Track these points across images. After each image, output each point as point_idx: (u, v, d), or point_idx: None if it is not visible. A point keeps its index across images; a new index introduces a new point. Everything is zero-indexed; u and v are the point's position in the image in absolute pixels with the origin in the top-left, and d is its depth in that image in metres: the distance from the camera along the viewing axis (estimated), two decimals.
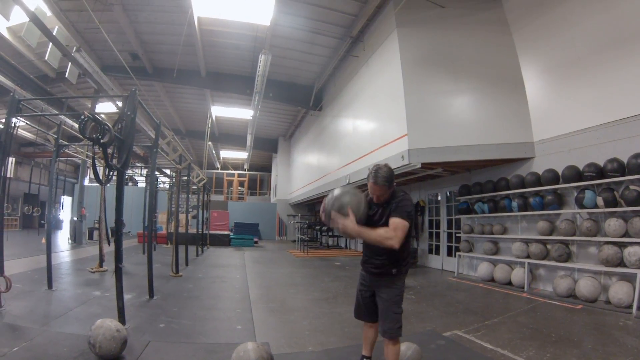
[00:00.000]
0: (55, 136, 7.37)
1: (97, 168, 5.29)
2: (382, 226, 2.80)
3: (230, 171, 32.19)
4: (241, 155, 27.90)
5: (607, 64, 6.25)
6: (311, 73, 14.34)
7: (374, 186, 2.84)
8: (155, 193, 14.22)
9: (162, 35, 12.05)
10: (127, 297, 5.68)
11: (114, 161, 4.84)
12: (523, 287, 7.14)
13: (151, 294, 6.15)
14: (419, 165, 8.18)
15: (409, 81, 8.48)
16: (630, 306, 5.26)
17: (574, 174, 6.58)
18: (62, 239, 15.98)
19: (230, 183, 31.58)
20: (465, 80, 8.43)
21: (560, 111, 7.20)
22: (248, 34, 11.73)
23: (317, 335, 4.48)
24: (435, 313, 5.66)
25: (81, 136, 4.69)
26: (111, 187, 10.29)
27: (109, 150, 4.71)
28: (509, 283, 7.58)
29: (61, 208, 23.01)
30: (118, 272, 4.60)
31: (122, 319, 4.42)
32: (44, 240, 14.21)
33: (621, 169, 5.83)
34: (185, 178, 10.50)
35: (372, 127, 10.66)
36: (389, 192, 2.88)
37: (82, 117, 4.24)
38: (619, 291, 5.44)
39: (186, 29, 10.93)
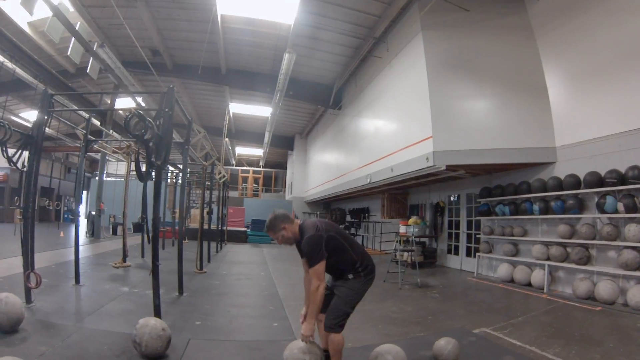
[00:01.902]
0: (84, 131, 7.74)
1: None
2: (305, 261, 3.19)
3: (245, 168, 32.97)
4: (256, 152, 28.59)
5: (630, 73, 6.59)
6: (332, 72, 14.78)
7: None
8: (175, 188, 14.77)
9: (183, 31, 12.50)
10: None
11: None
12: (542, 289, 7.58)
13: (181, 290, 6.35)
14: (444, 168, 8.57)
15: (434, 84, 8.82)
16: None
17: (596, 180, 6.96)
18: (80, 232, 16.62)
19: (245, 179, 32.33)
20: (489, 84, 8.79)
21: (582, 117, 7.59)
22: (270, 32, 12.17)
23: (353, 331, 4.65)
24: (461, 312, 6.11)
25: (126, 132, 4.89)
26: (133, 182, 10.75)
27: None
28: (529, 284, 8.02)
29: (81, 202, 23.88)
30: (155, 270, 4.68)
31: (158, 316, 4.45)
32: (62, 234, 14.93)
33: None
34: (210, 174, 11.00)
35: (395, 128, 11.06)
36: (279, 234, 3.15)
37: (128, 113, 4.44)
38: (637, 294, 5.86)
39: (209, 26, 11.33)
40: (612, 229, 6.61)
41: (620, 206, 6.45)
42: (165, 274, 7.41)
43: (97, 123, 15.05)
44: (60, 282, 6.46)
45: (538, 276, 7.80)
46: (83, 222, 23.90)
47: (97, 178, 14.94)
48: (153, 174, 5.64)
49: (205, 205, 16.96)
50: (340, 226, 17.22)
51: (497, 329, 5.08)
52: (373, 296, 7.20)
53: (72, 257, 9.16)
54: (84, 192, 23.70)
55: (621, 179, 6.53)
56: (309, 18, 11.00)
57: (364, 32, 11.72)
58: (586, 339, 4.64)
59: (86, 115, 13.46)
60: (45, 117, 5.58)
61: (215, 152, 10.37)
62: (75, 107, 11.53)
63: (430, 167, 8.71)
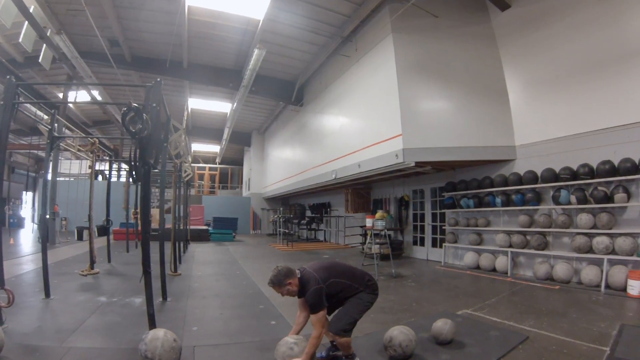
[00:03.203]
0: (49, 127, 7.17)
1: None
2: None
3: (201, 165, 32.57)
4: (213, 148, 28.46)
5: (583, 83, 7.78)
6: (295, 69, 15.20)
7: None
8: (129, 188, 14.42)
9: (146, 22, 12.13)
10: (137, 300, 6.00)
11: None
12: (507, 273, 8.65)
13: (164, 295, 6.20)
14: (413, 164, 9.32)
15: (404, 84, 9.56)
16: (598, 285, 6.86)
17: (551, 176, 8.14)
18: (28, 238, 15.63)
19: (201, 177, 31.92)
20: (455, 86, 9.69)
21: (539, 120, 8.73)
22: (238, 26, 12.27)
23: None
24: (439, 297, 6.87)
25: (124, 128, 4.53)
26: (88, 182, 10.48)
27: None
28: (494, 270, 9.08)
29: (37, 205, 22.17)
30: (147, 277, 4.53)
31: (153, 326, 4.35)
32: (12, 241, 14.06)
33: (591, 172, 7.41)
34: (178, 172, 10.99)
35: (362, 125, 11.70)
36: (285, 289, 3.54)
37: (126, 108, 4.31)
38: (589, 273, 7.04)
39: (174, 17, 11.18)
40: (566, 218, 7.77)
41: (573, 198, 7.59)
42: (135, 278, 7.19)
43: (45, 118, 14.33)
44: (28, 297, 6.03)
45: (502, 262, 8.86)
46: (30, 227, 22.38)
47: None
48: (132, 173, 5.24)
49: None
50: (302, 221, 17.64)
51: (476, 309, 5.88)
52: None
53: (31, 267, 8.91)
54: (30, 194, 22.27)
55: (573, 175, 7.70)
56: (277, 14, 11.29)
57: (331, 31, 12.21)
58: (553, 313, 5.56)
59: (32, 109, 12.90)
60: (11, 110, 4.95)
61: (187, 149, 10.41)
62: (39, 100, 10.81)
63: (399, 163, 9.43)
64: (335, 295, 3.60)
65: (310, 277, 3.56)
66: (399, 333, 3.88)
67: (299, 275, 3.61)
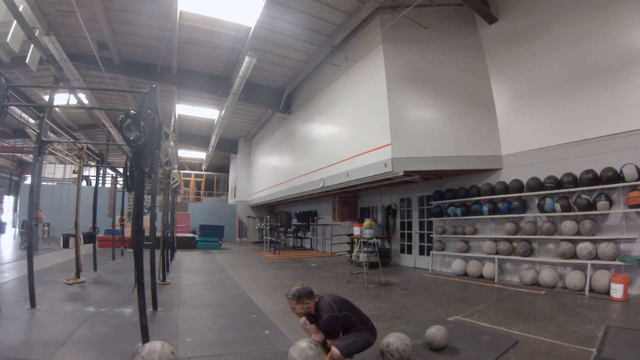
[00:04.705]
0: (37, 131, 6.86)
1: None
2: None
3: (187, 171, 32.36)
4: (199, 155, 28.32)
5: (567, 94, 8.13)
6: (284, 77, 15.34)
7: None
8: (115, 194, 14.32)
9: (137, 26, 12.10)
10: (127, 310, 5.91)
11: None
12: (494, 279, 8.88)
13: (155, 305, 6.11)
14: (402, 173, 9.52)
15: (393, 94, 9.83)
16: (582, 289, 7.15)
17: (537, 184, 8.44)
18: (9, 244, 15.20)
19: (186, 183, 31.73)
20: (443, 96, 9.97)
21: (525, 130, 9.04)
22: (229, 33, 12.37)
23: None
24: (430, 304, 6.97)
25: (120, 135, 4.49)
26: (72, 188, 10.36)
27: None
28: (481, 276, 9.30)
29: (19, 209, 21.50)
30: (140, 288, 4.41)
31: (146, 338, 4.26)
32: None
33: (575, 181, 7.72)
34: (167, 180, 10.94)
35: (350, 134, 11.89)
36: (299, 306, 3.67)
37: (123, 115, 4.22)
38: (574, 278, 7.32)
39: (165, 22, 11.21)
40: (550, 225, 8.04)
41: (557, 206, 7.88)
42: (123, 287, 7.35)
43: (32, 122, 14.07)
44: (11, 307, 5.78)
45: (489, 269, 9.09)
46: (11, 232, 21.78)
47: (27, 182, 13.84)
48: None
49: (147, 211, 16.52)
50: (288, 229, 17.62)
51: (466, 315, 6.02)
52: (346, 297, 7.82)
53: (14, 275, 8.71)
54: (12, 198, 21.60)
55: (558, 183, 8.00)
56: (268, 22, 11.44)
57: (322, 39, 12.40)
58: (540, 317, 5.76)
59: (15, 110, 12.64)
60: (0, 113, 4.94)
61: (177, 156, 10.39)
62: (29, 103, 10.59)
63: (388, 172, 9.63)
64: (343, 329, 3.70)
65: (327, 305, 3.69)
66: (396, 339, 4.00)
67: (316, 300, 3.74)
